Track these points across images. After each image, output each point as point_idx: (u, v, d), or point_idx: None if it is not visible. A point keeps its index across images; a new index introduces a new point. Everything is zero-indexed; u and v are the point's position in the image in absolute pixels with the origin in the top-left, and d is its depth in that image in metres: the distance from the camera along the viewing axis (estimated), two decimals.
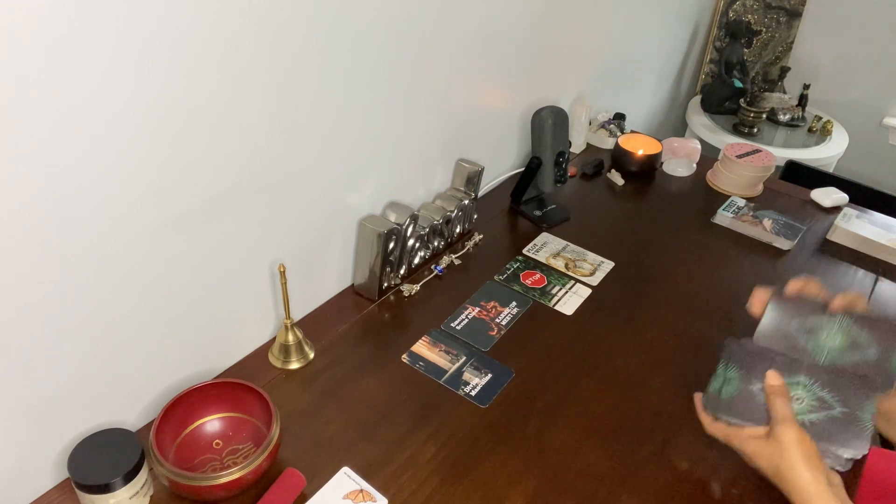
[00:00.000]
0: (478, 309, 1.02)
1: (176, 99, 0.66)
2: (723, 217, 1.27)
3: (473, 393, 0.88)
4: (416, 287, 1.05)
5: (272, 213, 0.85)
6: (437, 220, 1.08)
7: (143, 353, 0.77)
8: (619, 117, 1.57)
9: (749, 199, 1.35)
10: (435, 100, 1.05)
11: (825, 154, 2.06)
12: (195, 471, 0.74)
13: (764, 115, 2.12)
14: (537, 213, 1.25)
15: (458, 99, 1.11)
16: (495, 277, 1.09)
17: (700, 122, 2.19)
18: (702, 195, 1.38)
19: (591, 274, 1.12)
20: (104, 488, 0.66)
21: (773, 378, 0.71)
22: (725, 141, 2.04)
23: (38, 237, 0.60)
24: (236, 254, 0.83)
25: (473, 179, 1.14)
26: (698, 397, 0.78)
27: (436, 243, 1.11)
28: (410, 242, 1.03)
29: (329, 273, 1.01)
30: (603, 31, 1.51)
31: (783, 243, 1.21)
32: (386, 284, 1.02)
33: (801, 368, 0.73)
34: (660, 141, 1.46)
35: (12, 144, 0.55)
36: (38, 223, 0.60)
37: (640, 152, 1.40)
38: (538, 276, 1.10)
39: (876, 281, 1.15)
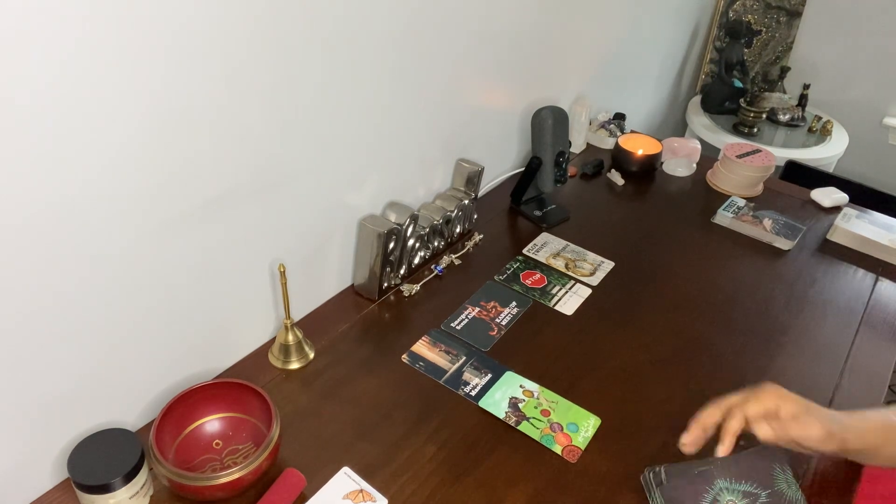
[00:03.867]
0: (478, 309, 1.02)
1: (177, 99, 0.66)
2: (723, 217, 1.27)
3: (473, 393, 0.88)
4: (416, 287, 1.05)
5: (272, 213, 0.85)
6: (437, 220, 1.08)
7: (143, 354, 0.77)
8: (619, 117, 1.57)
9: (749, 199, 1.35)
10: (435, 100, 1.05)
11: (825, 154, 2.06)
12: (195, 471, 0.74)
13: (764, 115, 2.12)
14: (537, 213, 1.25)
15: (459, 99, 1.11)
16: (495, 277, 1.09)
17: (700, 122, 2.19)
18: (702, 195, 1.38)
19: (591, 274, 1.12)
20: (104, 488, 0.66)
21: None
22: (725, 141, 2.04)
23: (39, 238, 0.60)
24: (236, 254, 0.83)
25: (473, 179, 1.14)
26: None
27: (436, 243, 1.11)
28: (410, 242, 1.03)
29: (329, 273, 1.01)
30: (603, 31, 1.51)
31: (783, 243, 1.21)
32: (386, 284, 1.02)
33: (714, 475, 0.73)
34: (660, 141, 1.46)
35: (24, 152, 0.55)
36: (39, 223, 0.60)
37: (640, 152, 1.40)
38: (538, 276, 1.10)
39: (876, 281, 1.15)
